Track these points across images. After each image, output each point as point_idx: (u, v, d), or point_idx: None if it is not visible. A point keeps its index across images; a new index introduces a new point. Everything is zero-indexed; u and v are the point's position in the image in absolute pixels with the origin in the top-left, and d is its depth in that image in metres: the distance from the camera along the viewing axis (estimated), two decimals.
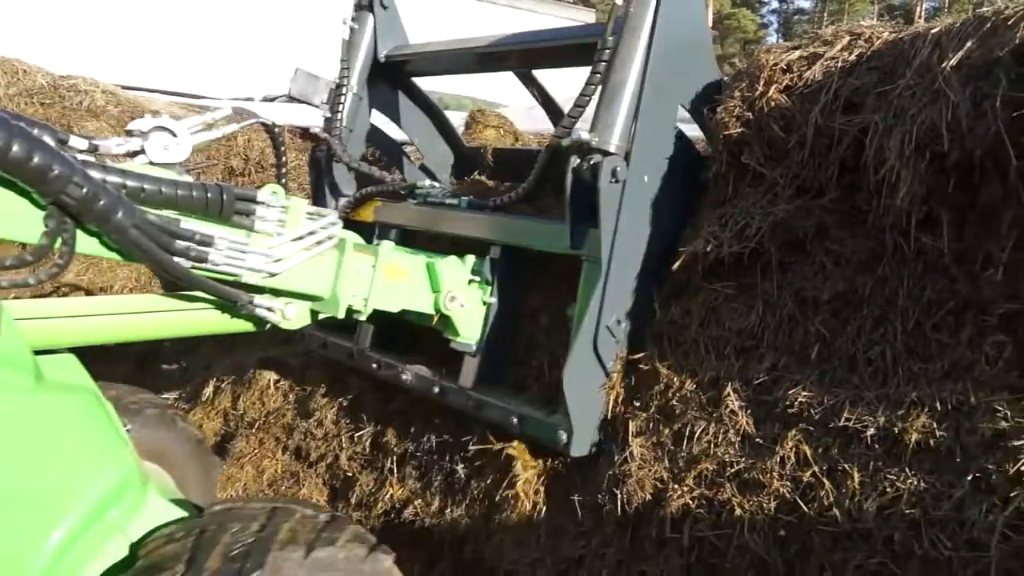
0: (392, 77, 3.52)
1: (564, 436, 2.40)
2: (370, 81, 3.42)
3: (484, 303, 2.79)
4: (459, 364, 2.82)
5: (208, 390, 3.99)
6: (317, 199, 3.40)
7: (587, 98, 2.46)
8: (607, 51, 2.40)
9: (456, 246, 2.90)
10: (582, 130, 2.38)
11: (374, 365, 3.10)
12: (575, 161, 2.37)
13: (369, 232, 3.21)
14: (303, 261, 2.27)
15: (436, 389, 2.85)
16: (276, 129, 2.91)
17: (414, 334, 3.04)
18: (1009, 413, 1.74)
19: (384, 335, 3.15)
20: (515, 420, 2.55)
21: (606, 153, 2.33)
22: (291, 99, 3.81)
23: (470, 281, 2.75)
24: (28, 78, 5.36)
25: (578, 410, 2.39)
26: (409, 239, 3.20)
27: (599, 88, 2.42)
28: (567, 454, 2.43)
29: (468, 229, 2.94)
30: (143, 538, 1.78)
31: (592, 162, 2.31)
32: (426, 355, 3.05)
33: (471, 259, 2.77)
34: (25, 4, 12.38)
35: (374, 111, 3.55)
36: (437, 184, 3.09)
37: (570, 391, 2.36)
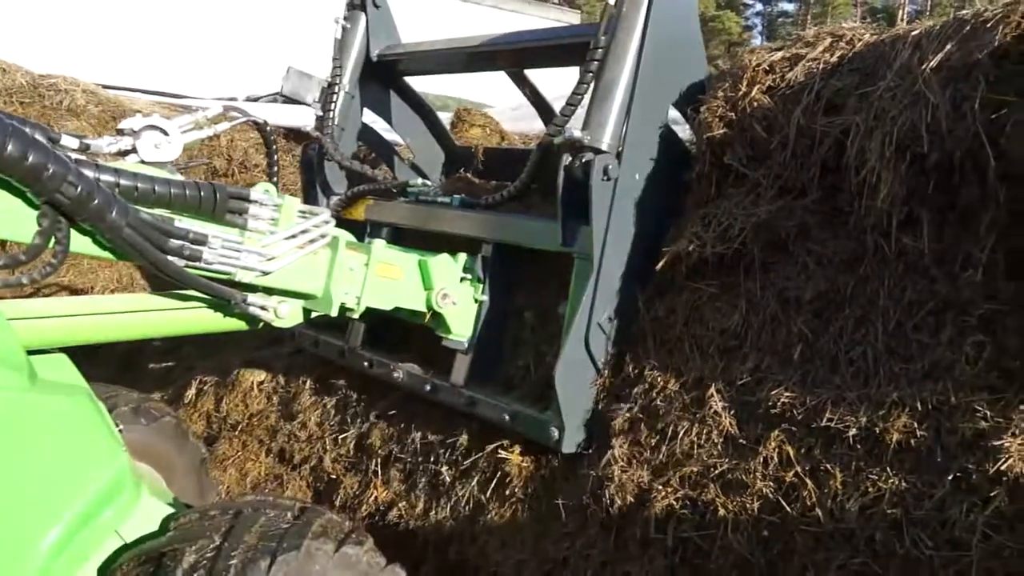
0: (384, 76, 3.52)
1: (556, 432, 2.41)
2: (362, 80, 3.41)
3: (476, 301, 2.79)
4: (450, 361, 2.82)
5: (191, 392, 3.96)
6: (308, 198, 3.39)
7: (579, 96, 2.48)
8: (600, 50, 2.42)
9: (448, 244, 2.90)
10: (574, 128, 2.39)
11: (365, 363, 3.10)
12: (567, 159, 2.38)
13: (360, 230, 3.21)
14: (296, 259, 2.27)
15: (428, 387, 2.85)
16: (267, 128, 2.89)
17: (405, 331, 3.04)
18: (989, 413, 1.75)
19: (375, 333, 3.14)
20: (507, 417, 2.56)
21: (598, 151, 2.34)
22: (284, 98, 3.80)
23: (462, 279, 2.75)
24: (7, 77, 5.29)
25: (569, 407, 2.40)
26: (400, 237, 3.19)
27: (591, 87, 2.44)
28: (559, 450, 2.43)
29: (460, 227, 2.94)
30: (168, 517, 1.81)
31: (584, 160, 2.32)
32: (417, 353, 3.05)
33: (463, 257, 2.77)
34: (3, 2, 12.24)
35: (365, 110, 3.54)
36: (429, 182, 3.09)
37: (562, 388, 2.37)
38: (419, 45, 3.38)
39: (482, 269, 2.80)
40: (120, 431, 2.37)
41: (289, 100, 3.54)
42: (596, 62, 2.42)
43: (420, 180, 3.10)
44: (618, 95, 2.38)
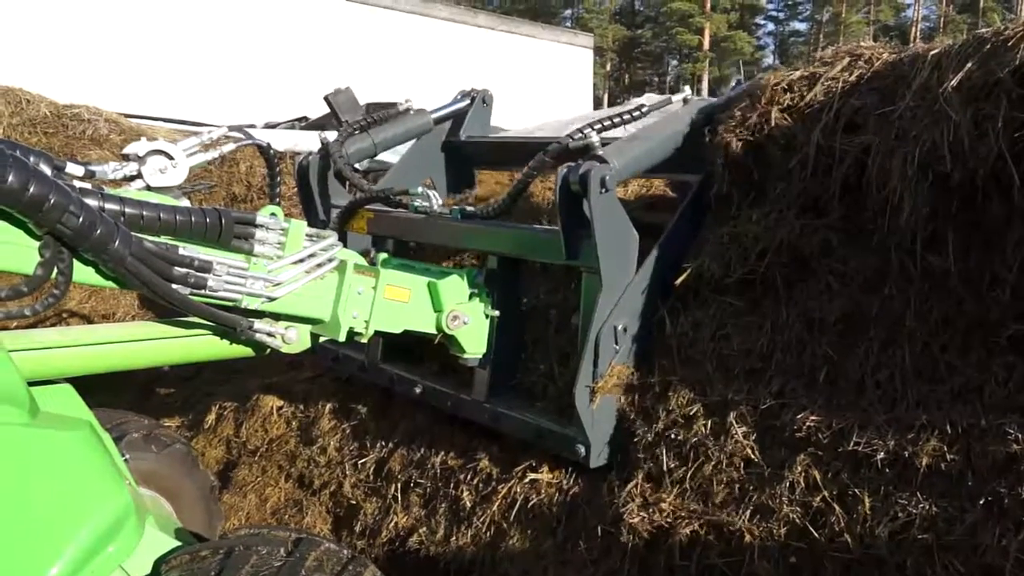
0: (462, 156, 3.77)
1: (582, 449, 2.39)
2: (447, 157, 3.73)
3: (486, 316, 2.74)
4: (472, 373, 2.80)
5: (211, 417, 3.96)
6: (308, 209, 3.40)
7: (611, 123, 2.51)
8: (643, 111, 2.69)
9: (453, 254, 2.85)
10: (593, 135, 2.43)
11: (387, 378, 3.09)
12: (564, 169, 2.35)
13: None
14: (303, 284, 2.24)
15: (450, 402, 2.84)
16: (271, 151, 2.89)
17: (425, 340, 3.01)
18: (1020, 435, 1.72)
19: (395, 344, 3.07)
20: (533, 433, 2.54)
21: (602, 160, 2.32)
22: (327, 104, 3.92)
23: (471, 295, 2.72)
24: (31, 107, 5.40)
25: (592, 423, 2.38)
26: (404, 247, 3.22)
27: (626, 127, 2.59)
28: (587, 466, 2.41)
29: (464, 241, 2.93)
30: (160, 559, 1.77)
31: (582, 171, 2.28)
32: (439, 362, 3.03)
33: (470, 272, 2.75)
34: (28, 34, 12.51)
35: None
36: (431, 192, 3.06)
37: (582, 405, 2.35)
38: (501, 137, 3.73)
39: (490, 282, 2.76)
40: (126, 460, 2.35)
41: (327, 113, 3.66)
42: (633, 118, 2.66)
43: (421, 188, 3.05)
44: (648, 146, 2.48)
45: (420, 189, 2.97)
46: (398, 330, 2.58)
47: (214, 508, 2.98)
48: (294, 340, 2.29)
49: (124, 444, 2.64)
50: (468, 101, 3.75)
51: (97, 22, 13.32)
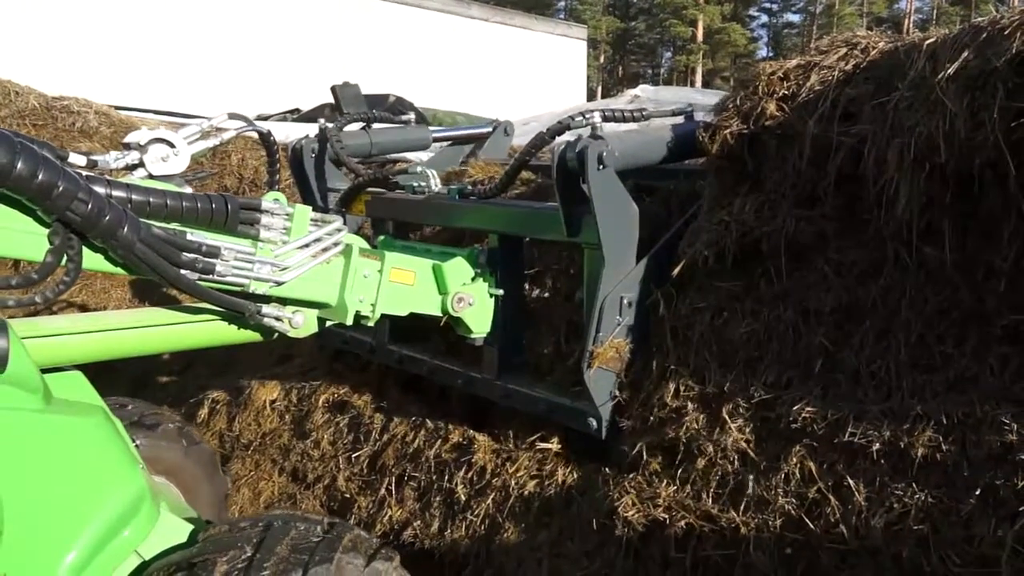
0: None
1: (594, 423, 2.41)
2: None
3: (491, 295, 2.74)
4: (480, 353, 2.81)
5: (203, 411, 3.94)
6: (304, 193, 3.40)
7: (611, 118, 2.56)
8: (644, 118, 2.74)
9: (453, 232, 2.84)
10: (596, 116, 2.46)
11: (396, 359, 3.09)
12: (560, 146, 2.35)
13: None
14: (310, 268, 2.24)
15: (460, 381, 2.85)
16: (271, 138, 2.88)
17: (431, 321, 3.01)
18: (1015, 426, 1.72)
19: (403, 323, 3.10)
20: (544, 408, 2.56)
21: (598, 138, 2.33)
22: (332, 95, 3.98)
23: (474, 276, 2.71)
24: (20, 99, 5.37)
25: (603, 397, 2.39)
26: (403, 229, 3.23)
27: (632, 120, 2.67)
28: (600, 438, 2.43)
29: (463, 220, 2.92)
30: (196, 529, 1.81)
31: (578, 149, 2.28)
32: (448, 341, 3.03)
33: (472, 253, 2.74)
34: (17, 26, 12.41)
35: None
36: (430, 171, 3.01)
37: (591, 379, 2.36)
38: (510, 160, 3.80)
39: (492, 262, 2.75)
40: (137, 445, 2.37)
41: (334, 106, 3.72)
42: (635, 118, 2.72)
43: (420, 168, 3.02)
44: (645, 139, 2.53)
45: (419, 169, 2.96)
46: (404, 313, 2.59)
47: (224, 516, 2.98)
48: (301, 324, 2.29)
49: (160, 432, 2.70)
50: (490, 129, 3.94)
51: (88, 14, 13.22)
